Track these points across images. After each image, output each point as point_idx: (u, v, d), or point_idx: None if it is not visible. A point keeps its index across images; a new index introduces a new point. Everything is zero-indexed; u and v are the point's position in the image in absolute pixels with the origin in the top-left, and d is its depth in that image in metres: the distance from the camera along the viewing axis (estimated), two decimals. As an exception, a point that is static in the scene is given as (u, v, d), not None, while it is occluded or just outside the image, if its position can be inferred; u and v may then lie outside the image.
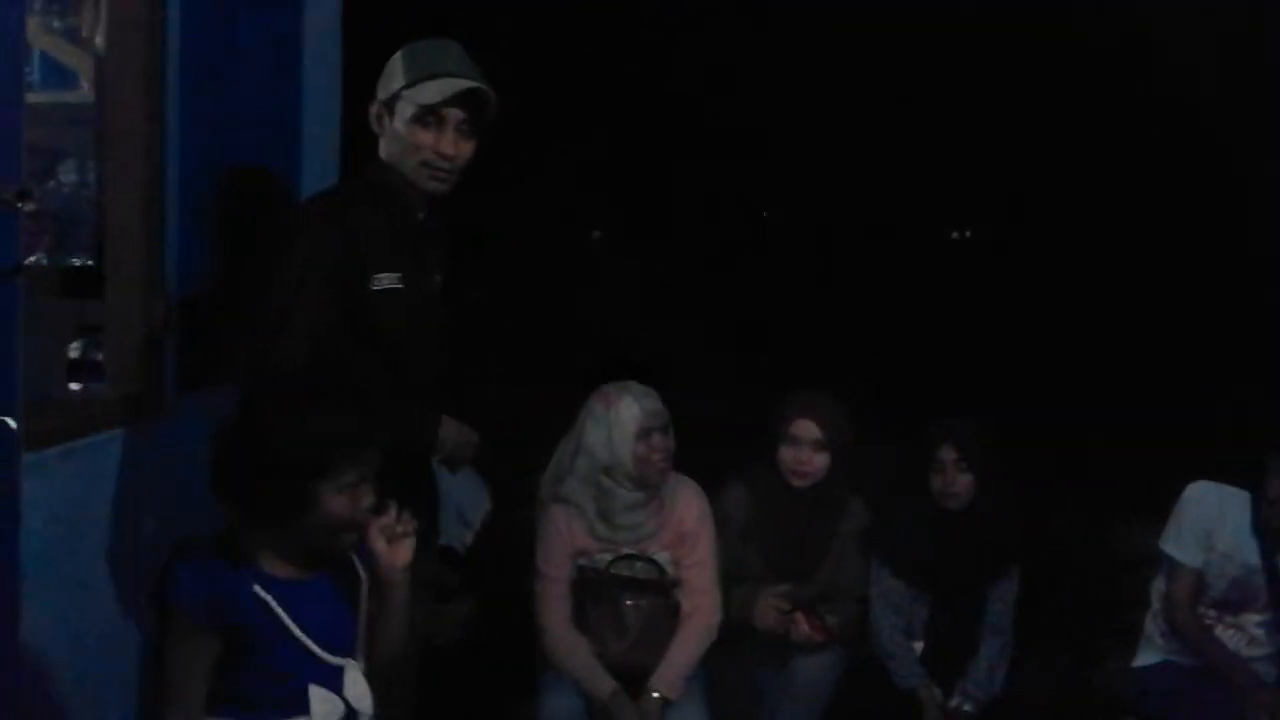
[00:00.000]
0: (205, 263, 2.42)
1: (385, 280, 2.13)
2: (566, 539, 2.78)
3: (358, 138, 2.36)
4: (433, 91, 2.16)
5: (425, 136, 2.17)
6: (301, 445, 1.83)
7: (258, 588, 1.86)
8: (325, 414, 1.86)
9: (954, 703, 2.90)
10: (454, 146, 2.18)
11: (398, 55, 2.23)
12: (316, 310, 2.07)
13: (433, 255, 2.29)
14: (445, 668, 2.73)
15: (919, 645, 2.99)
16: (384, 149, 2.23)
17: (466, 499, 2.76)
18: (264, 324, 2.07)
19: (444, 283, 2.29)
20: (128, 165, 2.26)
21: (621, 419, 2.74)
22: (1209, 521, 2.90)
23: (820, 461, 2.91)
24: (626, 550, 2.80)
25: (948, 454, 2.90)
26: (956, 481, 2.90)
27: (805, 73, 5.86)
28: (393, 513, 1.93)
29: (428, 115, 2.17)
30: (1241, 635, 2.90)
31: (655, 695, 2.69)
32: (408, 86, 2.17)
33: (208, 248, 2.43)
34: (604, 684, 2.68)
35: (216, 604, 1.83)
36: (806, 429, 2.91)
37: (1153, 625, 3.00)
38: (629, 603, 2.77)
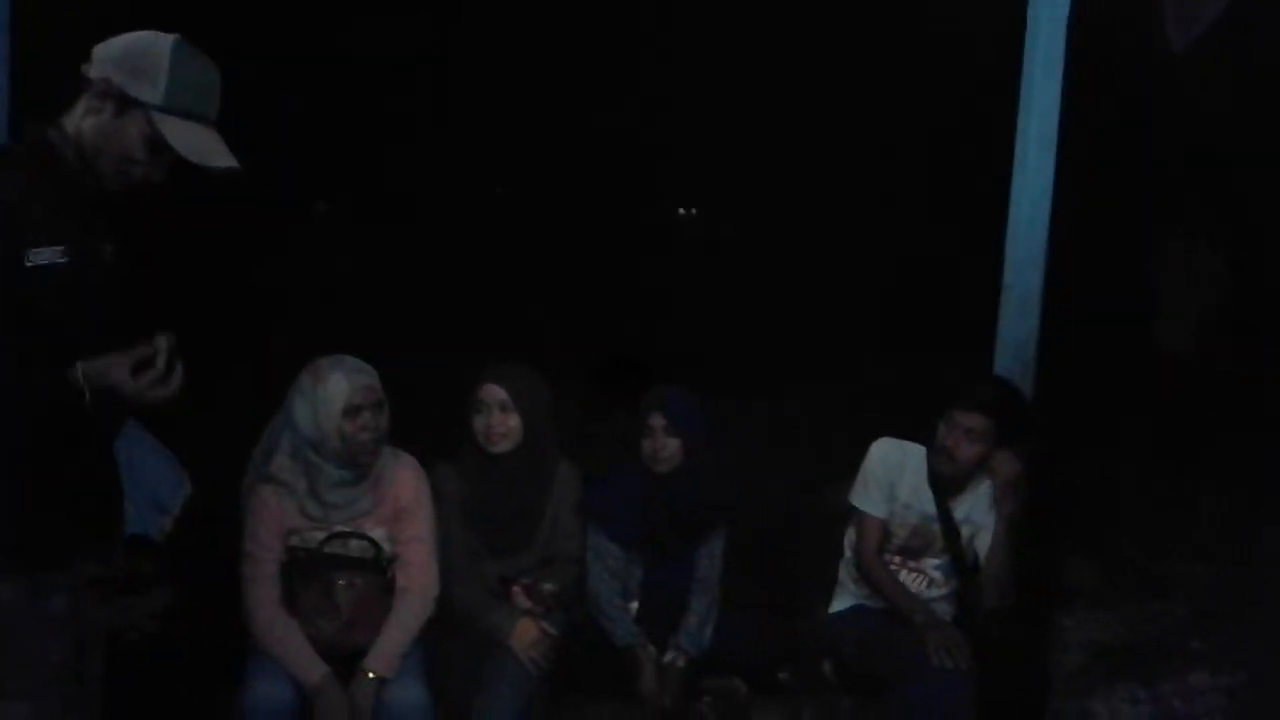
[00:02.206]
0: None
1: (43, 255, 1.90)
2: (276, 518, 2.70)
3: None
4: (181, 138, 1.96)
5: (142, 155, 1.98)
6: None
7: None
8: None
9: (668, 658, 3.02)
10: (162, 175, 2.02)
11: (165, 51, 1.98)
12: None
13: (104, 222, 2.06)
14: (139, 663, 2.59)
15: (634, 605, 3.10)
16: (84, 122, 1.99)
17: (164, 486, 2.63)
18: None
19: (123, 252, 2.08)
20: None
21: (329, 395, 2.69)
22: (891, 475, 3.14)
23: (512, 424, 2.95)
24: (340, 528, 2.75)
25: (657, 420, 3.02)
26: (666, 446, 3.02)
27: (538, 45, 5.87)
28: None
29: (162, 145, 1.98)
30: (922, 578, 3.15)
31: (370, 676, 2.66)
32: (160, 109, 1.96)
33: None
34: (314, 668, 2.62)
35: None
36: (492, 393, 2.96)
37: (845, 573, 3.22)
38: (341, 582, 2.72)
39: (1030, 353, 3.20)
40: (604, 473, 3.13)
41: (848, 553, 3.21)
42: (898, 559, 3.15)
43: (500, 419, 2.95)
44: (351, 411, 2.69)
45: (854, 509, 3.17)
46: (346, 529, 2.74)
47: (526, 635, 2.87)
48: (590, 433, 3.59)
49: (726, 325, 5.48)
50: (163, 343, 1.92)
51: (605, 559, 3.06)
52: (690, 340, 5.20)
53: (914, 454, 3.15)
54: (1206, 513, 4.03)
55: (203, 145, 1.98)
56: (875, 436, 3.21)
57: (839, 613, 3.19)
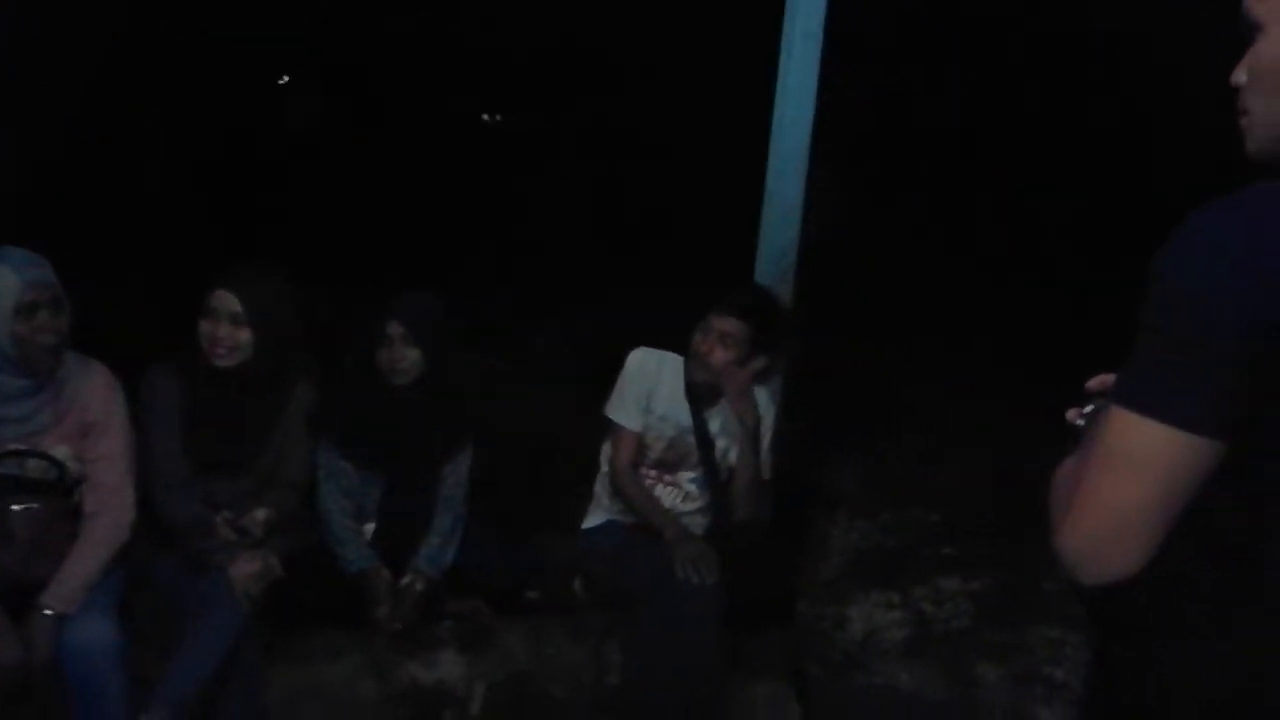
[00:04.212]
0: None
1: None
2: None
3: None
4: None
5: None
6: None
7: None
8: None
9: (405, 581, 2.83)
10: None
11: None
12: None
13: None
14: None
15: (370, 527, 2.88)
16: None
17: None
18: None
19: None
20: None
21: (-5, 292, 2.32)
22: (648, 385, 3.02)
23: (242, 337, 2.64)
24: (15, 446, 2.40)
25: (394, 328, 2.77)
26: (404, 356, 2.78)
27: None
28: None
29: None
30: (678, 492, 3.06)
31: (47, 613, 2.35)
32: None
33: None
34: None
35: None
36: (223, 300, 2.64)
37: (601, 488, 3.10)
38: (16, 507, 2.39)
39: (790, 260, 3.10)
40: (342, 385, 2.85)
41: (603, 467, 3.09)
42: (654, 473, 3.05)
43: (230, 331, 2.63)
44: (25, 310, 2.33)
45: (610, 422, 3.03)
46: (22, 446, 2.40)
47: (245, 567, 2.60)
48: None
49: (528, 235, 5.21)
50: None
51: (338, 478, 2.82)
52: (489, 249, 4.92)
53: (671, 364, 3.03)
54: (960, 421, 4.11)
55: None
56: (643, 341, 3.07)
57: (591, 529, 3.08)
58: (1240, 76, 1.16)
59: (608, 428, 3.06)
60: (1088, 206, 4.08)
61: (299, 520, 2.79)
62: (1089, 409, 1.29)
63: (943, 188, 4.32)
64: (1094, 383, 1.32)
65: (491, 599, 2.93)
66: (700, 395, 2.99)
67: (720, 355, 2.91)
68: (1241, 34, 1.17)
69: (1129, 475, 1.04)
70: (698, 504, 3.05)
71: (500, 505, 3.08)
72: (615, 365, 3.10)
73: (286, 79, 7.00)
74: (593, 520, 3.08)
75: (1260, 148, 1.15)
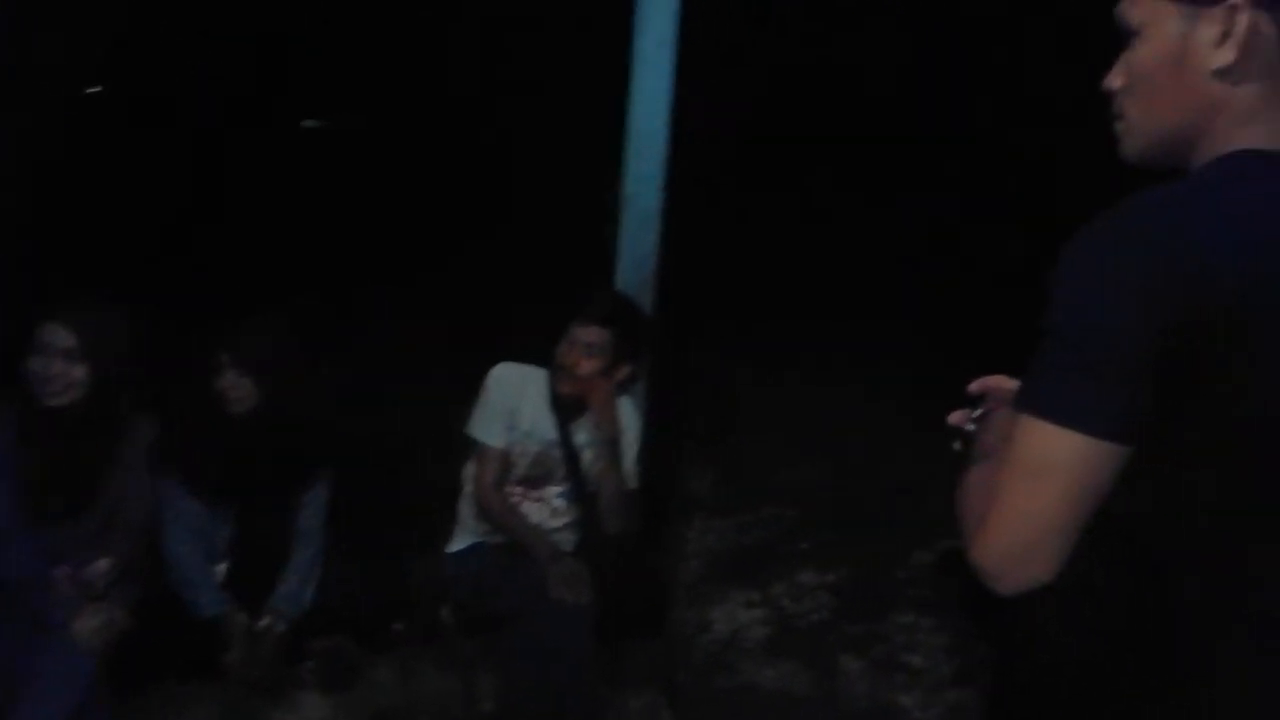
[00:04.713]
0: None
1: None
2: None
3: None
4: None
5: None
6: None
7: None
8: None
9: (263, 623, 2.67)
10: None
11: None
12: None
13: None
14: None
15: (222, 568, 2.71)
16: None
17: None
18: None
19: None
20: None
21: None
22: (512, 401, 2.95)
23: (76, 374, 2.44)
24: None
25: (224, 357, 2.61)
26: (236, 386, 2.63)
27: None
28: None
29: None
30: (545, 508, 3.00)
31: None
32: None
33: None
34: None
35: None
36: (55, 335, 2.42)
37: (465, 509, 3.01)
38: None
39: (651, 268, 3.07)
40: (180, 419, 2.67)
41: (467, 488, 3.00)
42: (519, 490, 2.98)
43: (63, 369, 2.42)
44: None
45: (473, 440, 2.95)
46: None
47: (89, 622, 2.40)
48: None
49: (360, 241, 4.97)
50: None
51: (184, 518, 2.64)
52: (318, 259, 4.67)
53: (535, 378, 2.97)
54: (813, 418, 4.19)
55: None
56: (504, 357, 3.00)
57: (457, 552, 2.98)
58: (1115, 81, 1.18)
59: (469, 446, 2.98)
60: (951, 205, 4.21)
61: (144, 566, 2.60)
62: (977, 413, 1.30)
63: (805, 190, 4.38)
64: (976, 386, 1.33)
65: (356, 634, 2.81)
66: (566, 408, 2.94)
67: (587, 365, 2.87)
68: (1118, 38, 1.19)
69: (1042, 483, 1.04)
70: (566, 519, 3.00)
71: (360, 534, 2.95)
72: (472, 381, 3.01)
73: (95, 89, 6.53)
74: (458, 543, 2.99)
75: (1136, 152, 1.17)
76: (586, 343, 2.88)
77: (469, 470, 2.99)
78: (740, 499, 4.04)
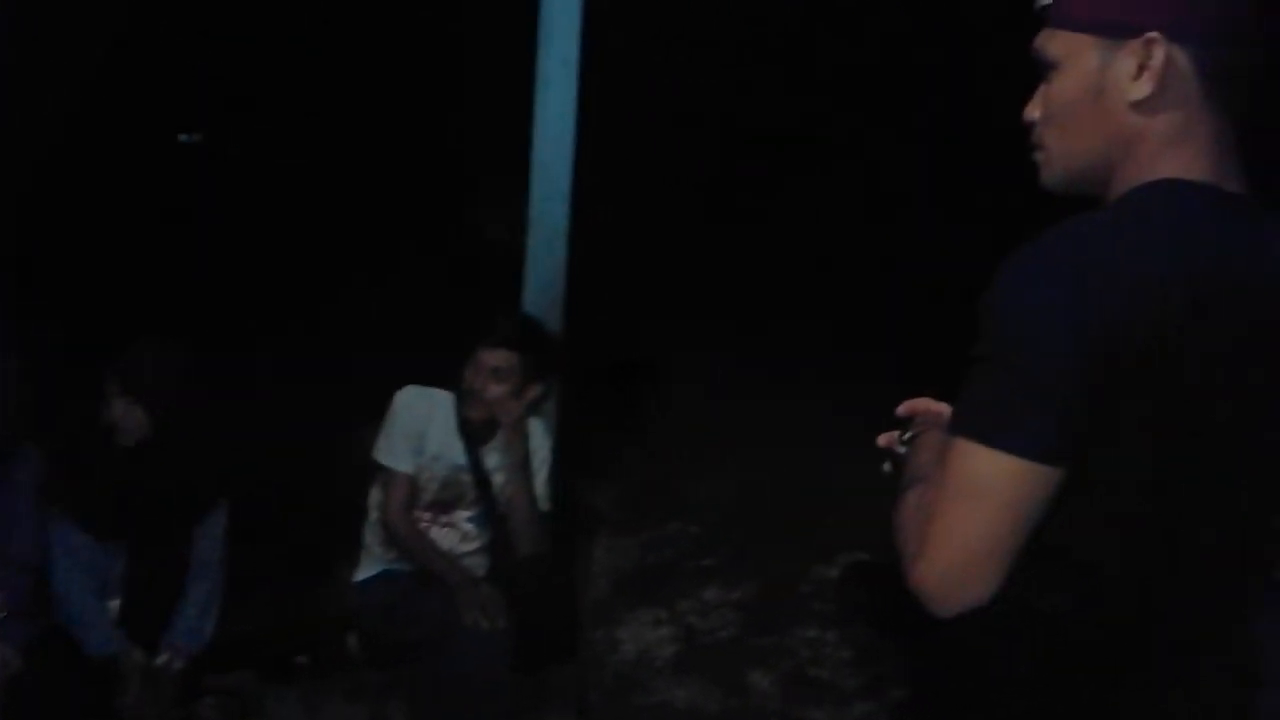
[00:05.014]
0: None
1: None
2: None
3: None
4: None
5: None
6: None
7: None
8: None
9: (160, 661, 2.57)
10: None
11: None
12: None
13: None
14: None
15: (115, 604, 2.60)
16: None
17: None
18: None
19: None
20: None
21: None
22: (419, 425, 2.90)
23: None
24: None
25: (113, 386, 2.51)
26: (127, 415, 2.53)
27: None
28: None
29: None
30: (455, 532, 2.95)
31: None
32: None
33: None
34: None
35: None
36: None
37: (371, 536, 2.94)
38: None
39: (560, 289, 3.05)
40: (69, 449, 2.56)
41: (373, 514, 2.93)
42: (428, 515, 2.93)
43: None
44: None
45: (379, 466, 2.88)
46: None
47: None
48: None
49: (256, 261, 4.78)
50: None
51: (74, 553, 2.54)
52: (212, 280, 4.48)
53: (442, 401, 2.92)
54: (718, 434, 4.21)
55: None
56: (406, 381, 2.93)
57: (364, 581, 2.91)
58: (1034, 112, 1.20)
59: (375, 472, 2.91)
60: (866, 216, 4.25)
61: (34, 604, 2.48)
62: (909, 435, 1.31)
63: (715, 208, 4.37)
64: (904, 408, 1.35)
65: (258, 669, 2.72)
66: (474, 431, 2.90)
67: (495, 389, 2.84)
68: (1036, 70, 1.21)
69: (979, 507, 1.06)
70: (477, 543, 2.95)
71: (261, 564, 2.86)
72: (377, 405, 2.95)
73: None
74: (365, 572, 2.91)
75: (1056, 181, 1.19)
76: (493, 367, 2.84)
77: (375, 496, 2.93)
78: (645, 516, 4.03)
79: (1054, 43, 1.17)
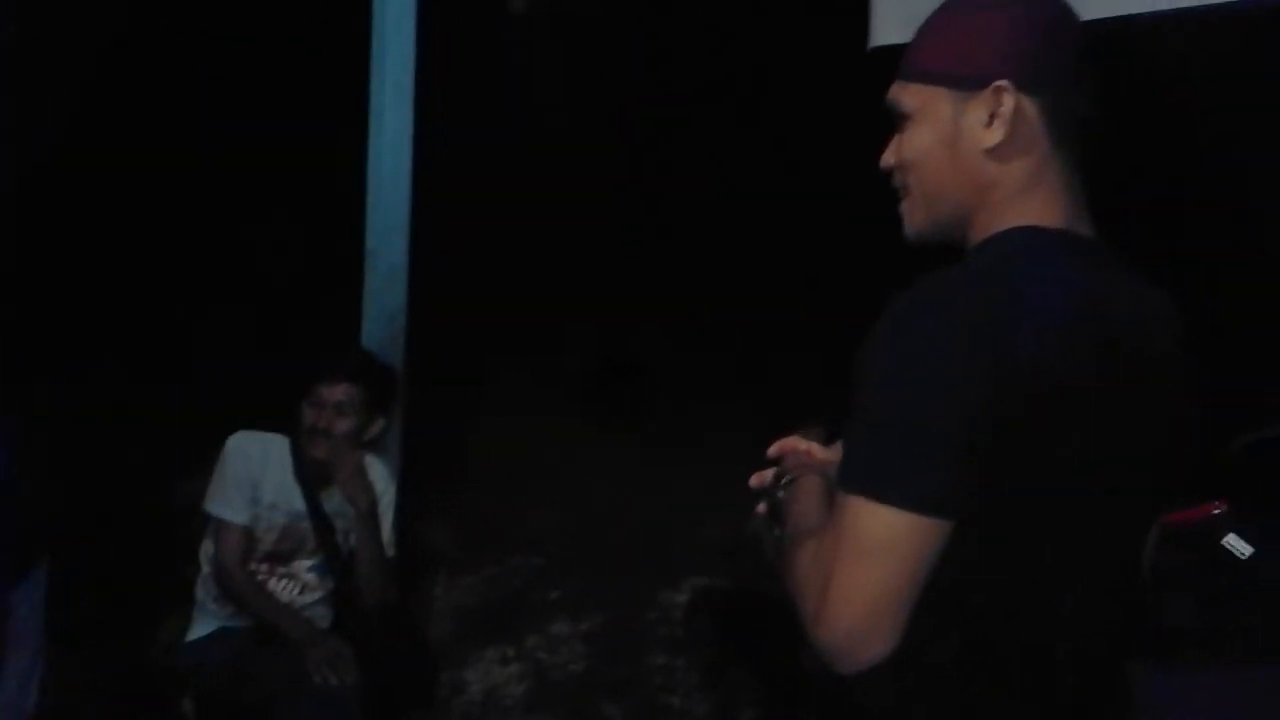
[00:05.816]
0: None
1: None
2: None
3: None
4: None
5: None
6: None
7: None
8: None
9: (-27, 743, 2.35)
10: None
11: None
12: None
13: None
14: None
15: (-82, 683, 2.37)
16: None
17: None
18: None
19: None
20: None
21: None
22: (254, 472, 2.78)
23: None
24: None
25: None
26: None
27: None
28: None
29: None
30: (295, 583, 2.82)
31: None
32: None
33: None
34: None
35: None
36: None
37: (204, 592, 2.79)
38: None
39: (401, 323, 2.98)
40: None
41: (205, 568, 2.78)
42: (265, 567, 2.79)
43: None
44: None
45: (211, 517, 2.74)
46: None
47: None
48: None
49: (78, 300, 4.41)
50: None
51: None
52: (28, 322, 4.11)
53: (277, 446, 2.81)
54: (551, 463, 4.16)
55: None
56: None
57: (199, 639, 2.75)
58: (890, 159, 1.23)
59: (205, 523, 2.76)
60: (729, 244, 4.26)
61: None
62: (786, 480, 1.29)
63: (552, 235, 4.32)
64: (774, 450, 1.35)
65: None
66: (313, 476, 2.79)
67: (341, 425, 2.75)
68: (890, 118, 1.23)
69: (878, 564, 1.06)
70: (319, 593, 2.83)
71: (84, 627, 2.67)
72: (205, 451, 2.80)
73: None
74: (199, 630, 2.76)
75: (919, 229, 1.22)
76: (336, 402, 2.76)
77: (207, 549, 2.78)
78: (486, 551, 3.96)
79: (907, 94, 1.20)
